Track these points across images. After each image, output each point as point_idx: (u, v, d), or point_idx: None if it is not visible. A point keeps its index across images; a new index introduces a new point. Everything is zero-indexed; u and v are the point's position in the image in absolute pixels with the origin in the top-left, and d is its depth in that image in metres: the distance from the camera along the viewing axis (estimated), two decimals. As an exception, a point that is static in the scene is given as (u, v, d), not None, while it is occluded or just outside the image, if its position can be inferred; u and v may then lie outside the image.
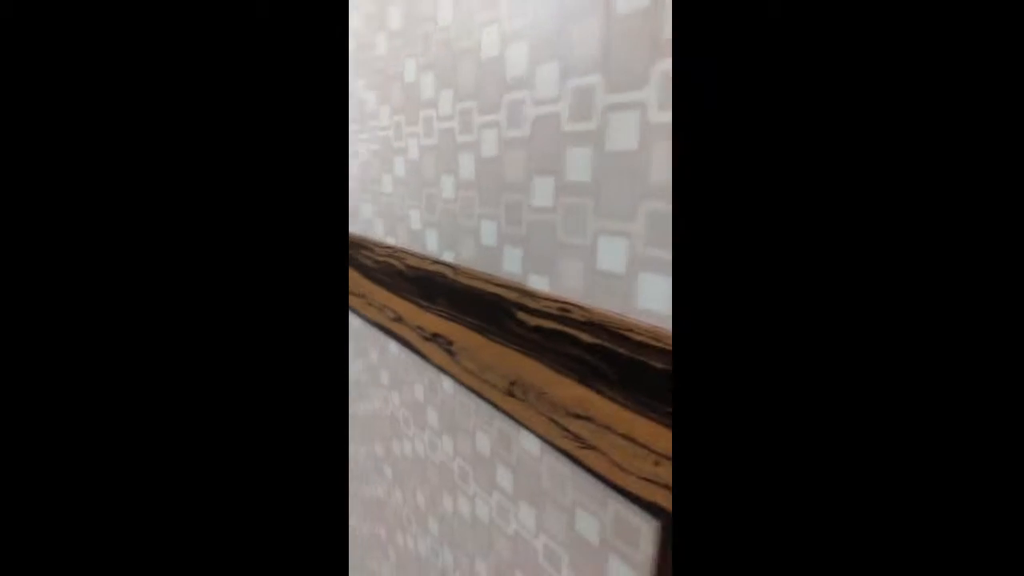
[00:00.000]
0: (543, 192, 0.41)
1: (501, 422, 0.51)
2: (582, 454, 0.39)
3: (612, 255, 0.36)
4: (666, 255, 0.33)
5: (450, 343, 0.55)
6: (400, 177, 0.63)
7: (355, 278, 0.79)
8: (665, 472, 0.34)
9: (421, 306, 0.61)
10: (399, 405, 0.73)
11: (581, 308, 0.38)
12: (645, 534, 0.36)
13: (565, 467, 0.43)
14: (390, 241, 0.68)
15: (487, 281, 0.48)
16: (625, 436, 0.36)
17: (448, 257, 0.55)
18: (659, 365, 0.33)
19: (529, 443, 0.47)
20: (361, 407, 0.88)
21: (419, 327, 0.62)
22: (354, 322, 0.85)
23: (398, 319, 0.66)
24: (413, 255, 0.61)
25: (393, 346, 0.72)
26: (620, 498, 0.38)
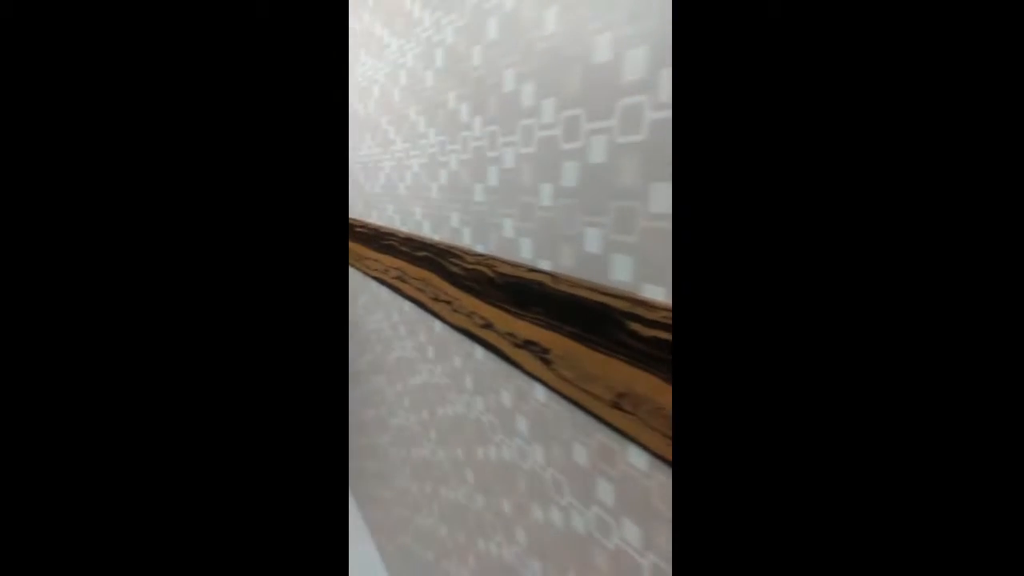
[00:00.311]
0: (658, 199, 0.40)
1: (603, 435, 0.50)
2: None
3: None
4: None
5: (546, 351, 0.55)
6: (493, 186, 0.64)
7: (440, 284, 0.80)
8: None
9: (513, 313, 0.61)
10: (483, 410, 0.74)
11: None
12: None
13: (678, 485, 0.41)
14: (479, 249, 0.69)
15: (592, 289, 0.47)
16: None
17: (545, 265, 0.55)
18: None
19: (636, 458, 0.46)
20: (441, 411, 0.90)
21: (510, 334, 0.62)
22: (436, 327, 0.87)
23: (487, 325, 0.67)
24: (505, 262, 0.62)
25: (479, 352, 0.73)
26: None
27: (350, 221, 1.28)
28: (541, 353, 0.56)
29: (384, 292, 1.13)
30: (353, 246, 1.27)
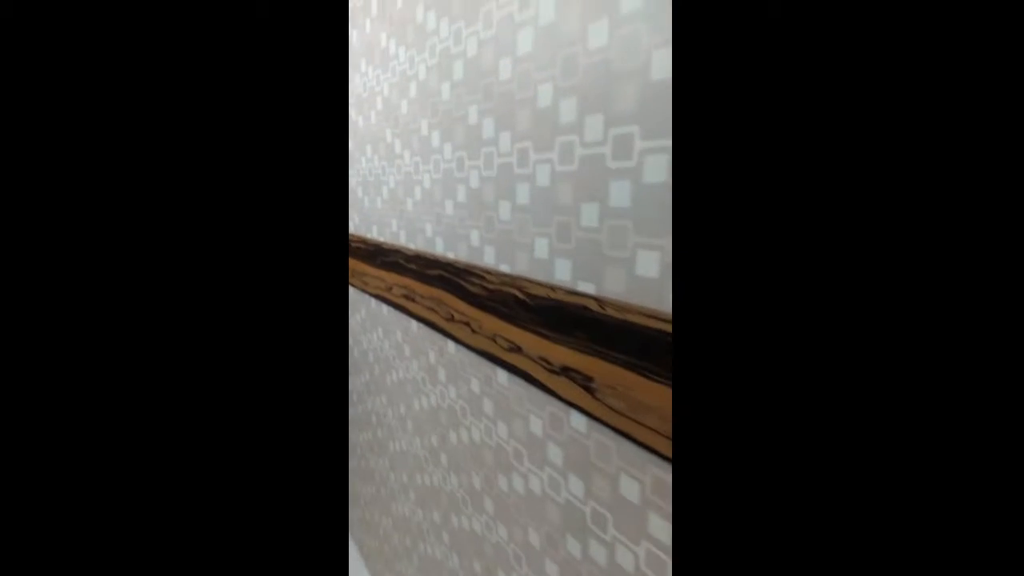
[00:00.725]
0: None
1: (657, 468, 0.47)
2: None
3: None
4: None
5: (589, 378, 0.52)
6: (523, 205, 0.61)
7: (456, 304, 0.77)
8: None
9: (547, 337, 0.58)
10: (507, 437, 0.70)
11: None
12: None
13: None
14: (504, 269, 0.66)
15: (647, 315, 0.45)
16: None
17: (587, 288, 0.53)
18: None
19: (700, 494, 0.43)
20: (454, 436, 0.86)
21: (543, 359, 0.59)
22: (449, 348, 0.83)
23: (515, 349, 0.64)
24: (538, 284, 0.59)
25: (502, 376, 0.70)
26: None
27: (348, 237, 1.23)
28: (584, 381, 0.53)
29: (385, 310, 1.08)
30: (352, 263, 1.22)
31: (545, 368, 0.59)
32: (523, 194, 0.61)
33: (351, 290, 1.28)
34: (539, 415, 0.63)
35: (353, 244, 1.19)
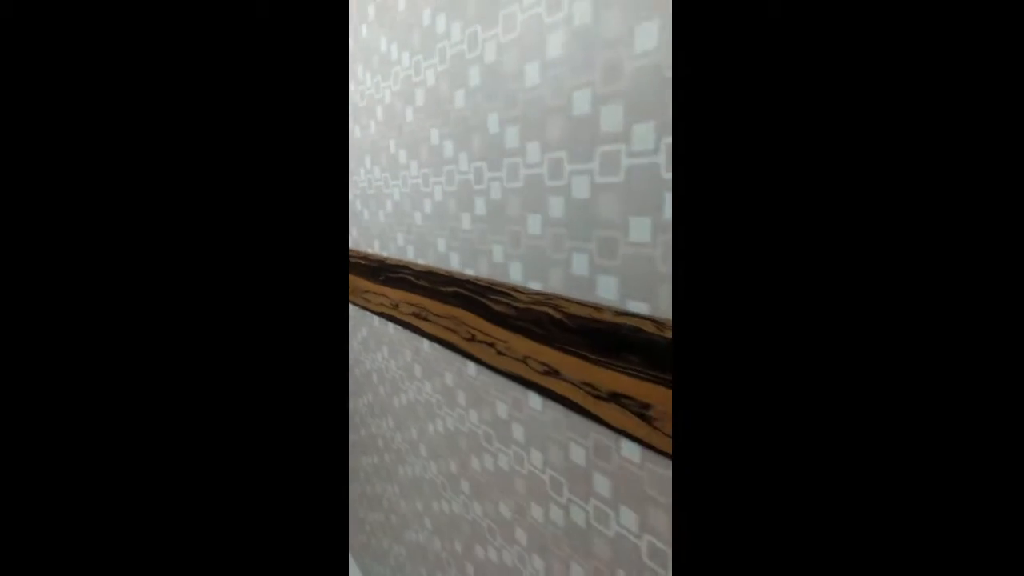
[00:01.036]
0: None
1: (731, 502, 0.43)
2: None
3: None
4: None
5: (646, 405, 0.49)
6: (557, 218, 0.57)
7: (477, 323, 0.72)
8: None
9: (591, 360, 0.54)
10: (541, 466, 0.66)
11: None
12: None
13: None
14: (535, 286, 0.62)
15: (717, 339, 0.41)
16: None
17: (639, 308, 0.49)
18: None
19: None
20: (476, 462, 0.81)
21: (588, 383, 0.55)
22: (469, 369, 0.79)
23: (551, 372, 0.60)
24: (578, 303, 0.55)
25: (535, 400, 0.65)
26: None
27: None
28: (639, 408, 0.49)
29: (391, 329, 1.03)
30: (352, 279, 1.16)
31: (590, 393, 0.55)
32: (556, 207, 0.57)
33: (351, 308, 1.22)
34: (581, 443, 0.59)
35: (352, 260, 1.13)
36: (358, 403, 1.28)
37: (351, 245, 1.16)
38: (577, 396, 0.57)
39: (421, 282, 0.86)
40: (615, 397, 0.52)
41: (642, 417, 0.49)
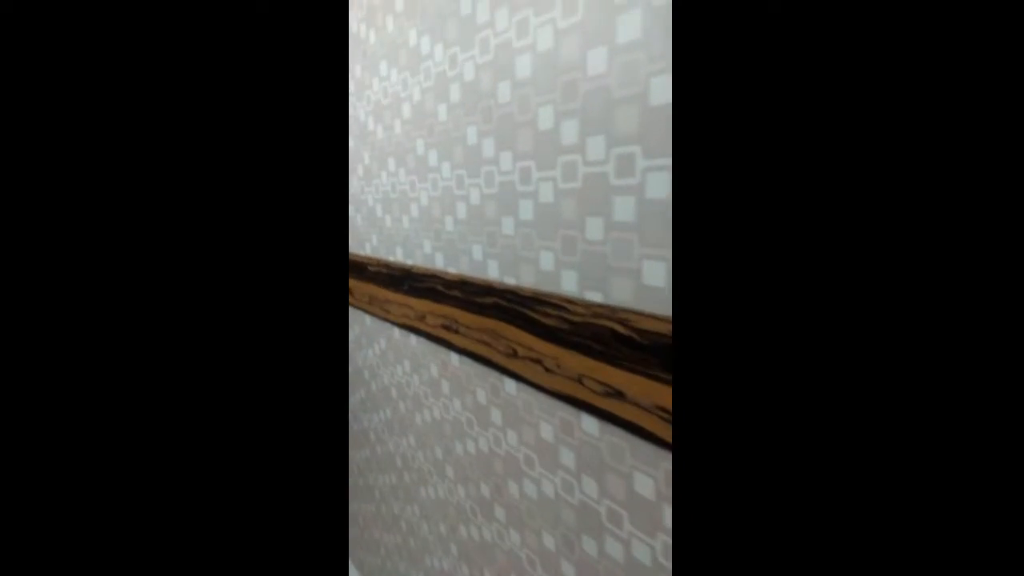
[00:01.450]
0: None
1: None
2: None
3: None
4: None
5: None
6: (624, 222, 0.52)
7: (520, 337, 0.66)
8: None
9: (664, 381, 0.48)
10: (598, 495, 0.60)
11: None
12: None
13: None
14: (594, 298, 0.56)
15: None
16: None
17: (729, 323, 0.43)
18: None
19: None
20: (515, 487, 0.74)
21: (660, 407, 0.49)
22: (507, 387, 0.73)
23: (613, 394, 0.54)
24: (651, 316, 0.49)
25: (589, 423, 0.59)
26: None
27: (364, 260, 1.11)
28: (730, 437, 0.43)
29: (414, 341, 0.97)
30: (370, 288, 1.10)
31: (663, 419, 0.49)
32: (624, 209, 0.51)
33: (369, 319, 1.16)
34: (650, 473, 0.53)
35: (372, 268, 1.07)
36: (374, 419, 1.21)
37: (370, 253, 1.11)
38: (645, 420, 0.51)
39: (453, 292, 0.80)
40: (697, 424, 0.46)
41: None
